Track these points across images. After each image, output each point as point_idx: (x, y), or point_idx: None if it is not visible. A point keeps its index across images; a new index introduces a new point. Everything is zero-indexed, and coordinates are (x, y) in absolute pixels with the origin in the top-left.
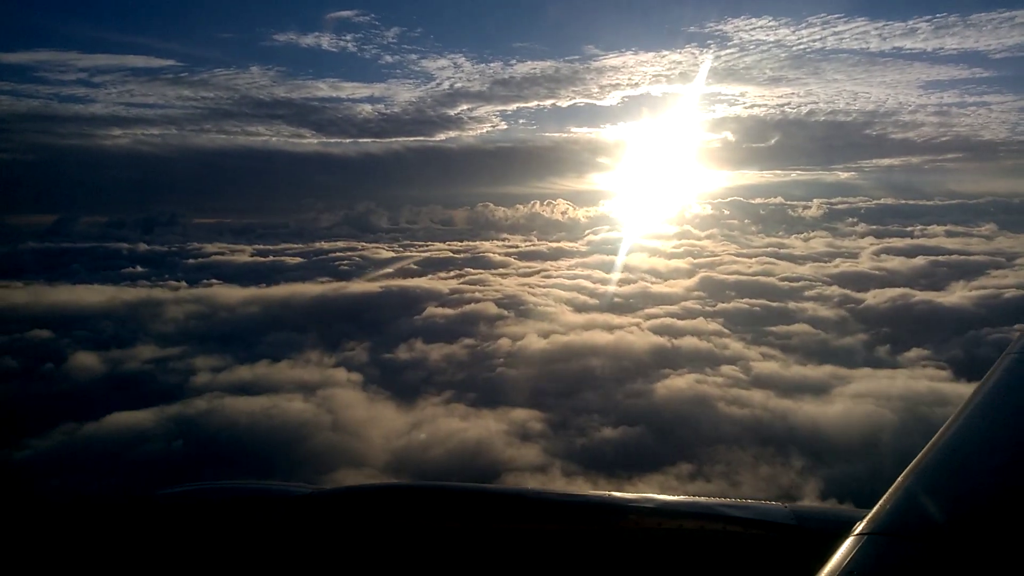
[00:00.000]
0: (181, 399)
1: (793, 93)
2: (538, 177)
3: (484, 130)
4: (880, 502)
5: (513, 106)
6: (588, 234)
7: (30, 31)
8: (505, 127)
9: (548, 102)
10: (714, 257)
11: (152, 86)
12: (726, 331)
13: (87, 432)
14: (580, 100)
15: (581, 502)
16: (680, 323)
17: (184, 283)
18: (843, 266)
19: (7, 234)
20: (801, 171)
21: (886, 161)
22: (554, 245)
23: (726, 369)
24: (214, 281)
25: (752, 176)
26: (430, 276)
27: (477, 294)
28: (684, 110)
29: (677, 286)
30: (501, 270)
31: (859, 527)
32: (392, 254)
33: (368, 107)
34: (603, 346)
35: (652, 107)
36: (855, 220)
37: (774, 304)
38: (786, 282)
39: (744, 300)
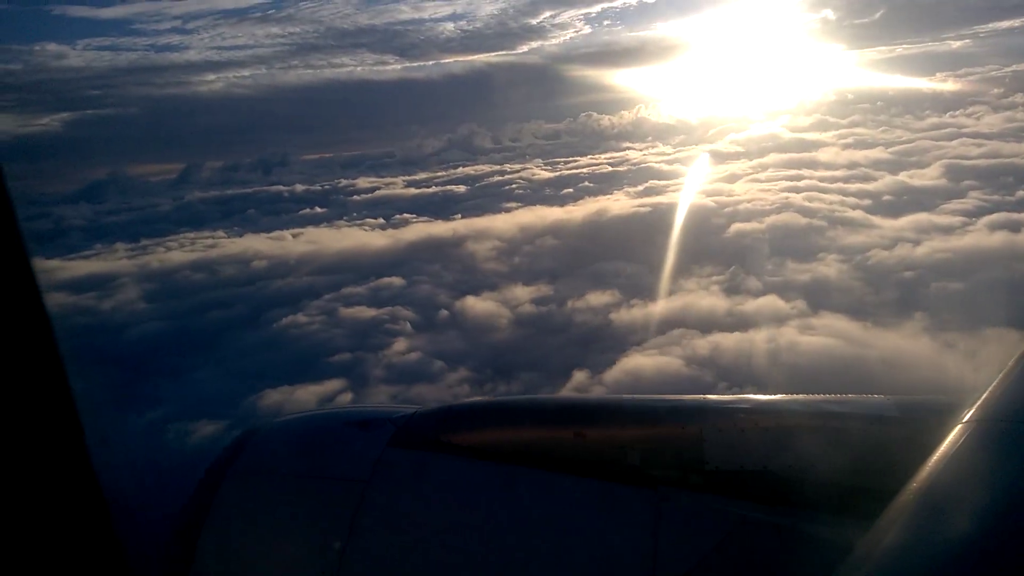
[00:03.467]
0: (637, 339)
1: None
2: (632, 79)
3: (567, 36)
4: (988, 390)
5: (597, 7)
6: (712, 133)
7: None
8: (589, 31)
9: None
10: (907, 144)
11: (241, 27)
12: None
13: (615, 379)
14: None
15: (678, 407)
16: (1018, 216)
17: (381, 219)
18: None
19: (137, 187)
20: (909, 44)
21: (1005, 23)
22: (705, 148)
23: None
24: (408, 216)
25: (856, 55)
26: (618, 191)
27: (747, 206)
28: None
29: (924, 177)
30: (680, 179)
31: (967, 415)
32: (550, 173)
33: (450, 25)
34: (996, 248)
35: None
36: (1002, 90)
37: None
38: None
39: None
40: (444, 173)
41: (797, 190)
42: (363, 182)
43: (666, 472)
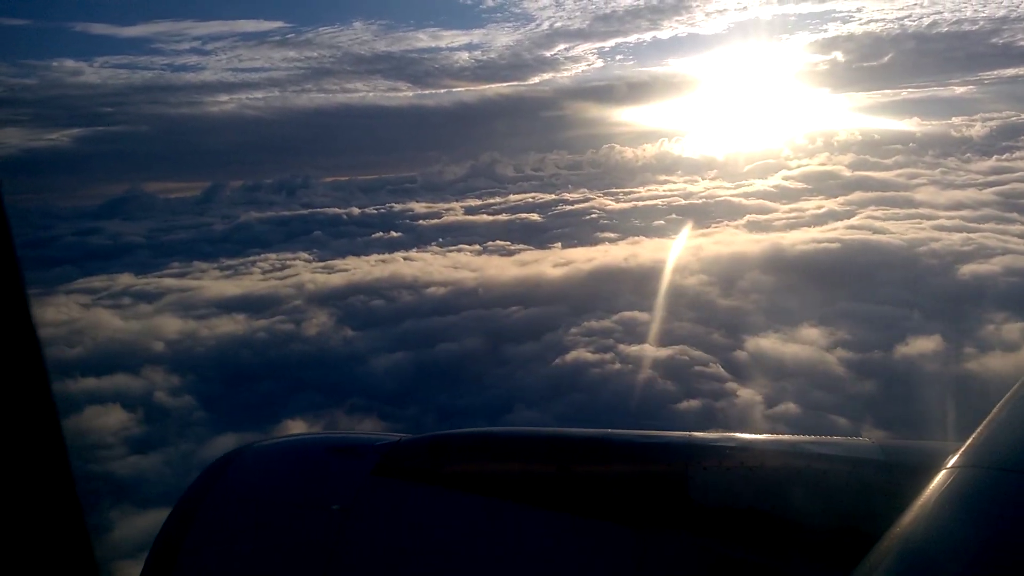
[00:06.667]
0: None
1: (916, 4)
2: (643, 113)
3: (579, 70)
4: (974, 435)
5: (612, 42)
6: (749, 170)
7: (148, 1)
8: (601, 65)
9: (649, 35)
10: (1000, 186)
11: (260, 50)
12: None
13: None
14: (682, 30)
15: (663, 443)
16: None
17: (476, 246)
18: None
19: (160, 205)
20: (913, 89)
21: (1010, 71)
22: (767, 184)
23: None
24: (502, 243)
25: (860, 98)
26: (716, 224)
27: (935, 246)
28: (792, 32)
29: None
30: (773, 215)
31: (951, 460)
32: (618, 205)
33: (465, 55)
34: None
35: (758, 32)
36: None
37: None
38: None
39: None
40: (500, 200)
41: (953, 229)
42: (418, 207)
43: (649, 509)
